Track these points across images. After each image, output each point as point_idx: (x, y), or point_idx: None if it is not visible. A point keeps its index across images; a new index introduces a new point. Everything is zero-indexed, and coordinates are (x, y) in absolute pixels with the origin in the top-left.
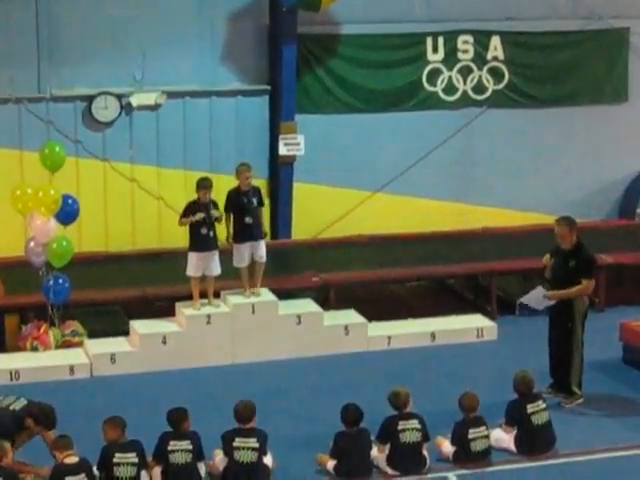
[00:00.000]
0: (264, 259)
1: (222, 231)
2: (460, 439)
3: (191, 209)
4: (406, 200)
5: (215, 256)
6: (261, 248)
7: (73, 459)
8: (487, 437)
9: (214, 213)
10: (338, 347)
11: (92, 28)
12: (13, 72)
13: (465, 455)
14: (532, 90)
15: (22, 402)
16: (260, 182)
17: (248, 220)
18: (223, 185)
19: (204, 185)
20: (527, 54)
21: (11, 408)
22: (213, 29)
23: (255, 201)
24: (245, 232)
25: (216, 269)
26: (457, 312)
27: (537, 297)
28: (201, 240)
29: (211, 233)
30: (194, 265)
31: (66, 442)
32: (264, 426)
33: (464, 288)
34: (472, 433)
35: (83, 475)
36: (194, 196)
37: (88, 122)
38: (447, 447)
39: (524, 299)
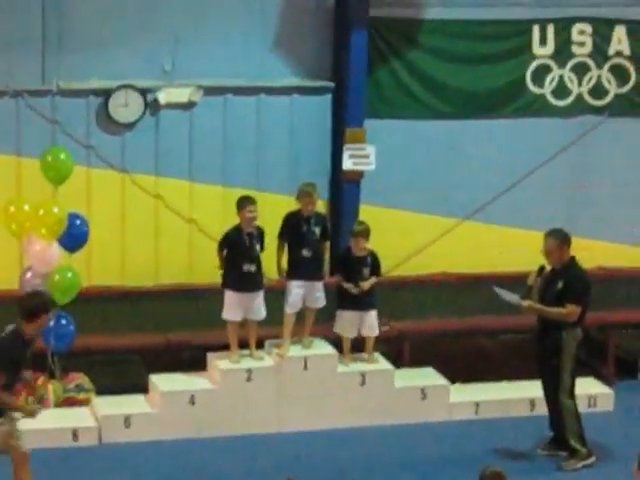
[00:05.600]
0: (320, 304)
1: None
2: None
3: (229, 241)
4: (501, 230)
5: (259, 296)
6: (317, 290)
7: None
8: None
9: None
10: (412, 415)
11: (112, 7)
12: (12, 59)
13: None
14: None
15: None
16: (318, 203)
17: (306, 253)
18: (271, 207)
19: (248, 207)
20: None
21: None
22: (264, 9)
23: (317, 231)
24: (300, 267)
25: (260, 312)
26: None
27: (512, 297)
28: (241, 276)
29: (253, 268)
30: (232, 307)
31: None
32: None
33: None
34: None
35: None
36: (234, 220)
37: (104, 123)
38: None
39: (499, 290)
